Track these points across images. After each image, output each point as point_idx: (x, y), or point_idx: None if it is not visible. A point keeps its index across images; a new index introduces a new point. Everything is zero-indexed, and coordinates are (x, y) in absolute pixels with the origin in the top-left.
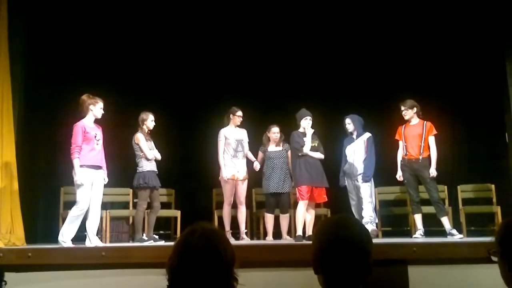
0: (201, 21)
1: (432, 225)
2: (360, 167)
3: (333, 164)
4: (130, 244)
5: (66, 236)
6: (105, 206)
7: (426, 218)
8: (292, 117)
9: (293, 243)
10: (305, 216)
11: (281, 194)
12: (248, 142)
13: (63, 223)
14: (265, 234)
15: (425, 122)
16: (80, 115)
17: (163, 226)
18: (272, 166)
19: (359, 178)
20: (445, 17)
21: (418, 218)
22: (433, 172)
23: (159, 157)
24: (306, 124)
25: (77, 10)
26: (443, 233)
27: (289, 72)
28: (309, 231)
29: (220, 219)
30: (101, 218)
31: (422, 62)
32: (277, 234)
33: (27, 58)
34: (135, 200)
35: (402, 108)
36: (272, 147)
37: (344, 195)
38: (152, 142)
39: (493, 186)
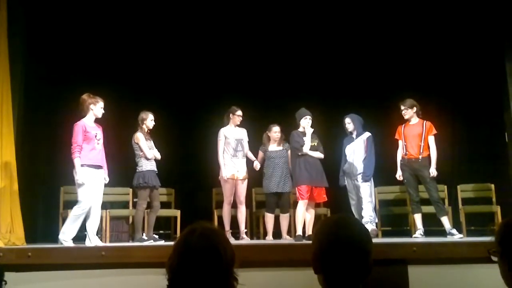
0: (201, 21)
1: (432, 225)
2: (359, 167)
3: (333, 164)
4: (130, 243)
5: (67, 235)
6: (105, 205)
7: (426, 218)
8: (292, 116)
9: (293, 243)
10: (305, 216)
11: (281, 193)
12: (248, 142)
13: (63, 222)
14: (265, 234)
15: (425, 121)
16: (80, 115)
17: (163, 226)
18: (273, 165)
19: (359, 177)
20: (445, 17)
21: (418, 218)
22: (433, 172)
23: (158, 156)
24: (305, 123)
25: (77, 10)
26: (443, 233)
27: (289, 72)
28: (309, 231)
29: (220, 218)
30: (101, 218)
31: (422, 62)
32: (277, 233)
33: (27, 58)
34: (135, 200)
35: (402, 107)
36: (272, 147)
37: (344, 194)
38: (152, 142)
39: (493, 185)
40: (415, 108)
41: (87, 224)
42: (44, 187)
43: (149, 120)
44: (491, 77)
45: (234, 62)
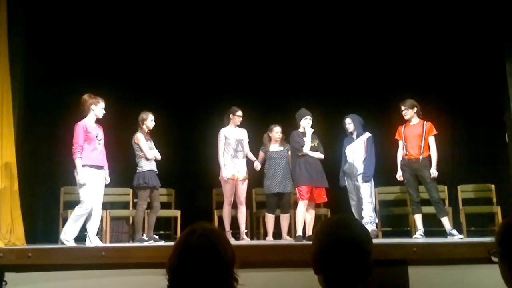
0: (201, 21)
1: (432, 225)
2: (360, 167)
3: (333, 164)
4: (130, 244)
5: (69, 235)
6: (105, 206)
7: (426, 218)
8: (292, 117)
9: (293, 243)
10: (305, 216)
11: (282, 194)
12: (249, 142)
13: (63, 223)
14: (265, 234)
15: (425, 122)
16: (81, 115)
17: (163, 226)
18: (274, 166)
19: (359, 178)
20: (445, 17)
21: (418, 218)
22: (434, 172)
23: (159, 157)
24: (306, 123)
25: (77, 10)
26: (443, 233)
27: (289, 72)
28: (309, 231)
29: (220, 219)
30: (101, 218)
31: (422, 62)
32: (277, 234)
33: (27, 58)
34: (135, 200)
35: (402, 107)
36: (274, 147)
37: (344, 195)
38: (152, 142)
39: (493, 186)
40: (415, 109)
41: (87, 225)
42: (44, 187)
43: (150, 121)
44: (491, 77)
45: (234, 62)
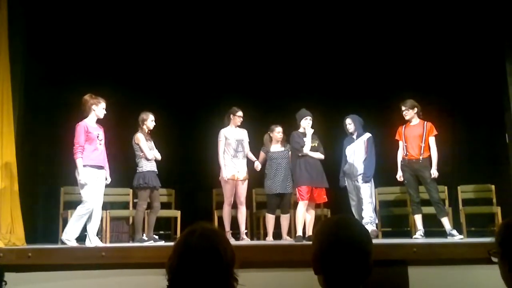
0: (201, 21)
1: (432, 226)
2: (360, 168)
3: (333, 165)
4: (130, 244)
5: (70, 235)
6: (105, 206)
7: (426, 219)
8: (292, 117)
9: (293, 244)
10: (305, 217)
11: (283, 194)
12: (249, 142)
13: (63, 223)
14: (265, 235)
15: (426, 122)
16: (82, 115)
17: (163, 226)
18: (276, 166)
19: (359, 178)
20: (445, 17)
21: (418, 219)
22: (434, 173)
23: (159, 157)
24: (306, 124)
25: (77, 10)
26: (443, 234)
27: (289, 72)
28: (309, 232)
29: (220, 219)
30: (101, 218)
31: (422, 62)
32: (277, 234)
33: (27, 58)
34: (135, 200)
35: (403, 108)
36: (275, 147)
37: (344, 195)
38: (152, 142)
39: (493, 186)
40: (416, 109)
41: (87, 225)
42: (44, 187)
43: (150, 121)
44: (491, 77)
45: (235, 63)
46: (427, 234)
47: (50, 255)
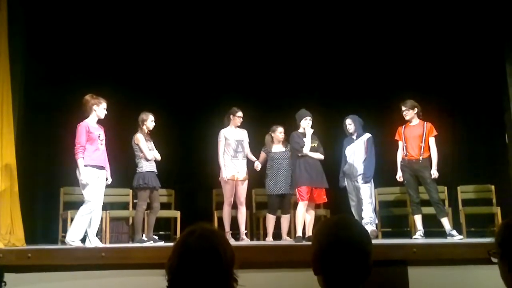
0: (200, 22)
1: (432, 226)
2: (360, 168)
3: (333, 165)
4: (130, 244)
5: (75, 236)
6: (105, 206)
7: (426, 219)
8: (292, 117)
9: (293, 244)
10: (305, 217)
11: (285, 195)
12: (249, 143)
13: (63, 223)
14: (265, 235)
15: (426, 123)
16: (83, 115)
17: (162, 227)
18: (277, 166)
19: (359, 179)
20: (446, 17)
21: (418, 219)
22: (434, 173)
23: (158, 157)
24: (306, 124)
25: (77, 10)
26: (443, 234)
27: (289, 72)
28: (309, 232)
29: (220, 219)
30: (101, 219)
31: (422, 62)
32: (276, 235)
33: (27, 58)
34: (134, 201)
35: (403, 108)
36: (276, 148)
37: (344, 195)
38: (152, 143)
39: (493, 187)
40: (416, 109)
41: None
42: (44, 188)
43: (150, 121)
44: (491, 77)
45: (234, 63)
46: (427, 234)
47: (50, 255)
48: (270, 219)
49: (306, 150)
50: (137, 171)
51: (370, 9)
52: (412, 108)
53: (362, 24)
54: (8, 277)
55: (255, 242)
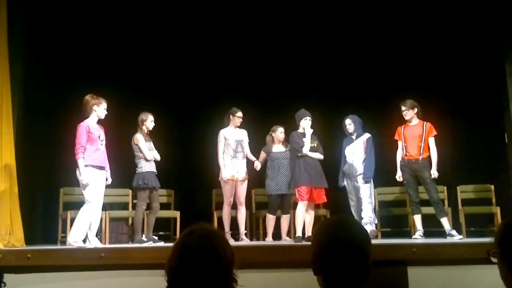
0: (200, 22)
1: (432, 226)
2: (359, 168)
3: (333, 165)
4: (130, 245)
5: (77, 236)
6: (104, 207)
7: (425, 219)
8: (292, 117)
9: (293, 244)
10: (304, 217)
11: (285, 195)
12: (248, 143)
13: (62, 224)
14: (265, 235)
15: (425, 122)
16: (83, 115)
17: (162, 227)
18: (278, 167)
19: (359, 178)
20: (445, 17)
21: (417, 219)
22: (434, 173)
23: (158, 158)
24: (305, 124)
25: (77, 10)
26: (443, 234)
27: (289, 72)
28: (309, 232)
29: (220, 219)
30: (101, 219)
31: (422, 62)
32: (276, 235)
33: (27, 58)
34: (134, 201)
35: (403, 108)
36: (277, 148)
37: (344, 195)
38: (152, 143)
39: (492, 186)
40: (416, 109)
41: None
42: (44, 188)
43: (149, 121)
44: (491, 77)
45: (234, 63)
46: (426, 234)
47: (50, 256)
48: (270, 219)
49: (305, 150)
50: (136, 171)
51: (370, 9)
52: (412, 108)
53: (362, 24)
54: (7, 277)
55: (254, 242)
